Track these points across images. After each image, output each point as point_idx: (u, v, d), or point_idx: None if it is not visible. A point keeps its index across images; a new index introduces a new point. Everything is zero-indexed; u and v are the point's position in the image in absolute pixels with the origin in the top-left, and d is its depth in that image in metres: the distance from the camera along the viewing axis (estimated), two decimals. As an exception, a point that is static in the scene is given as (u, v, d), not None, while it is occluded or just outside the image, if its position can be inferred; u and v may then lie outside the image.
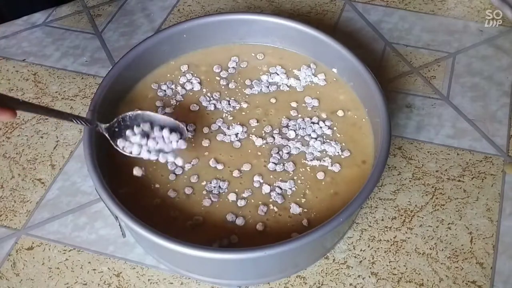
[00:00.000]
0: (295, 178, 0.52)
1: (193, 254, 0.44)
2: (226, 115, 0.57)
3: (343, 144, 0.54)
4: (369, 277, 0.52)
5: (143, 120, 0.50)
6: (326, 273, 0.52)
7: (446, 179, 0.59)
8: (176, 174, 0.52)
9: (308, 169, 0.53)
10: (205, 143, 0.55)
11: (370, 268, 0.52)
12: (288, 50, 0.62)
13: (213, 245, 0.48)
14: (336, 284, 0.52)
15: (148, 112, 0.50)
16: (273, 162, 0.53)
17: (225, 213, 0.50)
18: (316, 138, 0.55)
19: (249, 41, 0.63)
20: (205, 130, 0.56)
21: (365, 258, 0.53)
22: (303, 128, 0.56)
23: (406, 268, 0.52)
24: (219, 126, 0.56)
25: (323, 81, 0.59)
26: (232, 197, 0.51)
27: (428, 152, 0.61)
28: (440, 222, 0.55)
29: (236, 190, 0.51)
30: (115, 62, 0.57)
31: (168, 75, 0.60)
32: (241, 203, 0.51)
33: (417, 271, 0.52)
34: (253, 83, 0.60)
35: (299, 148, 0.54)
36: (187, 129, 0.52)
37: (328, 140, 0.55)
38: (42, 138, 0.63)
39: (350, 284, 0.52)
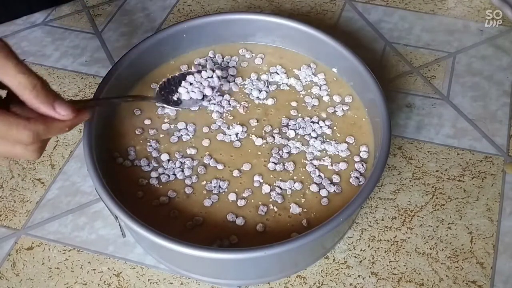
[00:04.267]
0: (295, 177, 0.52)
1: (193, 254, 0.43)
2: (226, 114, 0.57)
3: (343, 143, 0.54)
4: (369, 277, 0.52)
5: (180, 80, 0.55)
6: (326, 273, 0.52)
7: (446, 179, 0.59)
8: (175, 175, 0.52)
9: (308, 169, 0.53)
10: (205, 142, 0.55)
11: (370, 268, 0.52)
12: (288, 49, 0.62)
13: (213, 245, 0.48)
14: (336, 284, 0.52)
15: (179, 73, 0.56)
16: (273, 162, 0.53)
17: (225, 213, 0.50)
18: (316, 138, 0.55)
19: (249, 41, 0.63)
20: (205, 129, 0.56)
21: (365, 258, 0.53)
22: (303, 127, 0.56)
23: (406, 268, 0.52)
24: (219, 126, 0.56)
25: (323, 81, 0.59)
26: (232, 197, 0.51)
27: (428, 152, 0.61)
28: (440, 222, 0.55)
29: (236, 190, 0.51)
30: (115, 62, 0.57)
31: (168, 75, 0.60)
32: (241, 203, 0.51)
33: (417, 271, 0.52)
34: (253, 82, 0.59)
35: (299, 148, 0.54)
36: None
37: (328, 140, 0.55)
38: (42, 138, 0.63)
39: (350, 284, 0.52)
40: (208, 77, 0.56)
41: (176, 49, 0.61)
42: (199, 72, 0.56)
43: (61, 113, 0.40)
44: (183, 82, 0.55)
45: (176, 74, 0.55)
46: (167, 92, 0.54)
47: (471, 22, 0.74)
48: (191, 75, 0.55)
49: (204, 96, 0.55)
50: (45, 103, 0.39)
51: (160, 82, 0.55)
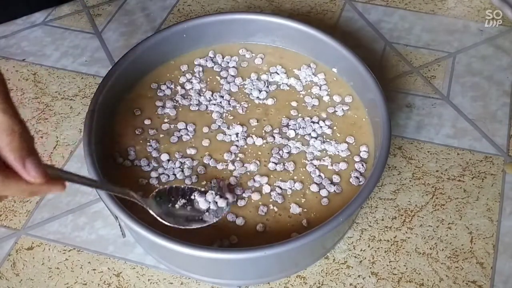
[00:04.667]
0: (295, 177, 0.52)
1: (193, 254, 0.43)
2: (226, 114, 0.57)
3: (343, 143, 0.54)
4: (369, 277, 0.52)
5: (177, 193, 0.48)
6: (326, 273, 0.52)
7: (446, 179, 0.58)
8: (175, 175, 0.52)
9: (308, 169, 0.53)
10: (205, 142, 0.55)
11: (370, 268, 0.52)
12: (288, 49, 0.62)
13: (213, 245, 0.48)
14: (336, 284, 0.52)
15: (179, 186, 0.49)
16: (273, 162, 0.53)
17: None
18: (316, 138, 0.55)
19: (249, 41, 0.63)
20: (205, 129, 0.56)
21: (365, 258, 0.53)
22: (303, 127, 0.56)
23: (406, 268, 0.52)
24: (219, 126, 0.56)
25: (323, 81, 0.59)
26: (232, 197, 0.51)
27: (428, 152, 0.61)
28: (440, 222, 0.55)
29: (236, 190, 0.51)
30: (115, 62, 0.57)
31: (168, 75, 0.60)
32: (241, 203, 0.51)
33: (417, 271, 0.52)
34: (253, 82, 0.59)
35: (299, 148, 0.54)
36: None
37: (328, 140, 0.55)
38: (42, 138, 0.63)
39: (350, 284, 0.52)
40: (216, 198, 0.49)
41: (176, 49, 0.61)
42: (203, 193, 0.49)
43: (31, 172, 0.32)
44: (194, 195, 0.49)
45: (186, 187, 0.49)
46: (162, 201, 0.47)
47: (471, 22, 0.74)
48: (203, 195, 0.49)
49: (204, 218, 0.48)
50: (16, 154, 0.32)
51: (161, 187, 0.48)
